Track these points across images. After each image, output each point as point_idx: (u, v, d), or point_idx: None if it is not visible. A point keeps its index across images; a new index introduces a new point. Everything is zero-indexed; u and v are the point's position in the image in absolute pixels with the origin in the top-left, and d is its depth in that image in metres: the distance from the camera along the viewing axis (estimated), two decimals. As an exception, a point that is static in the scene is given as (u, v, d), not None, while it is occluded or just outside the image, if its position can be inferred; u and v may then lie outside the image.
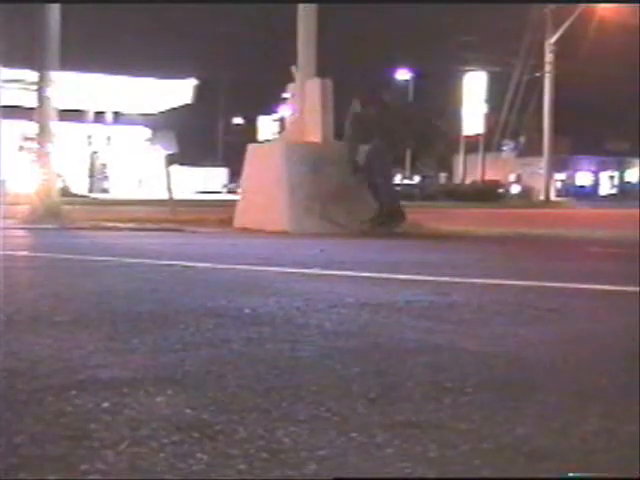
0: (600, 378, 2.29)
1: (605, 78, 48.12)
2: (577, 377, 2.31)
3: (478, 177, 51.13)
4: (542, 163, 42.92)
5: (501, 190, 46.91)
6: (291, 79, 10.64)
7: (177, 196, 14.38)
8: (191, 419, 1.81)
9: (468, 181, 51.85)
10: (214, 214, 12.06)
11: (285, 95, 12.36)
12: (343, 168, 9.65)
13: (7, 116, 14.45)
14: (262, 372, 2.27)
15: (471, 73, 54.26)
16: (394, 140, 9.53)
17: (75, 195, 27.75)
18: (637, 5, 36.41)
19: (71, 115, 32.88)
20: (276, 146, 10.48)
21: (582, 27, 40.16)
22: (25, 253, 6.96)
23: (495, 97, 51.46)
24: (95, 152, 44.11)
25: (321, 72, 10.60)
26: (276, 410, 1.89)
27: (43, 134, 11.66)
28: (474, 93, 53.82)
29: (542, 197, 41.16)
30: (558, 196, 48.56)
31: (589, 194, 59.87)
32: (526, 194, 48.30)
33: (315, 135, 10.07)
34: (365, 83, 10.30)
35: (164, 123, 34.78)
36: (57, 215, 11.15)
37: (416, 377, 2.24)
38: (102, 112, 43.96)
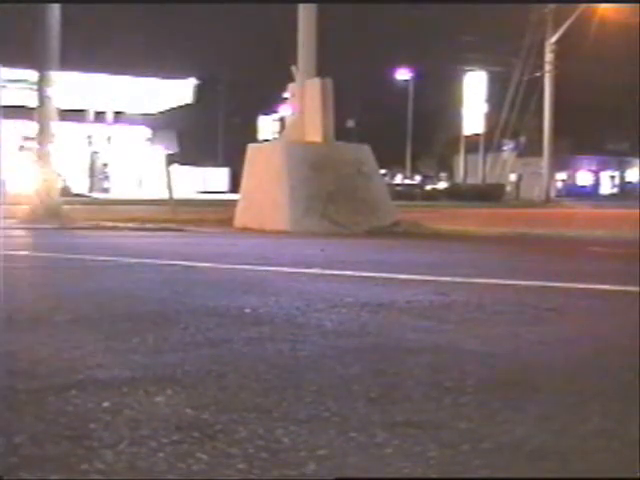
0: (600, 378, 2.29)
1: (605, 78, 48.10)
2: (577, 377, 2.31)
3: (479, 178, 51.10)
4: (542, 163, 42.91)
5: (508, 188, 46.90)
6: (291, 79, 10.64)
7: (177, 196, 14.39)
8: (191, 419, 1.80)
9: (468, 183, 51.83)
10: (214, 214, 12.06)
11: (285, 95, 12.36)
12: (343, 168, 9.65)
13: (7, 116, 14.45)
14: (262, 372, 2.27)
15: (471, 73, 54.24)
16: None
17: (75, 195, 27.76)
18: (637, 5, 36.41)
19: (71, 115, 32.86)
20: (276, 146, 10.47)
21: (582, 27, 40.14)
22: (25, 253, 6.96)
23: (495, 97, 51.40)
24: (95, 152, 44.12)
25: (321, 72, 10.59)
26: (276, 410, 1.89)
27: (43, 134, 11.66)
28: (474, 93, 53.79)
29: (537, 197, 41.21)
30: (558, 196, 48.51)
31: (590, 194, 59.82)
32: (517, 194, 48.24)
33: (315, 135, 10.07)
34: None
35: (164, 123, 34.79)
36: (57, 215, 11.16)
37: (416, 377, 2.24)
38: (103, 112, 43.96)
